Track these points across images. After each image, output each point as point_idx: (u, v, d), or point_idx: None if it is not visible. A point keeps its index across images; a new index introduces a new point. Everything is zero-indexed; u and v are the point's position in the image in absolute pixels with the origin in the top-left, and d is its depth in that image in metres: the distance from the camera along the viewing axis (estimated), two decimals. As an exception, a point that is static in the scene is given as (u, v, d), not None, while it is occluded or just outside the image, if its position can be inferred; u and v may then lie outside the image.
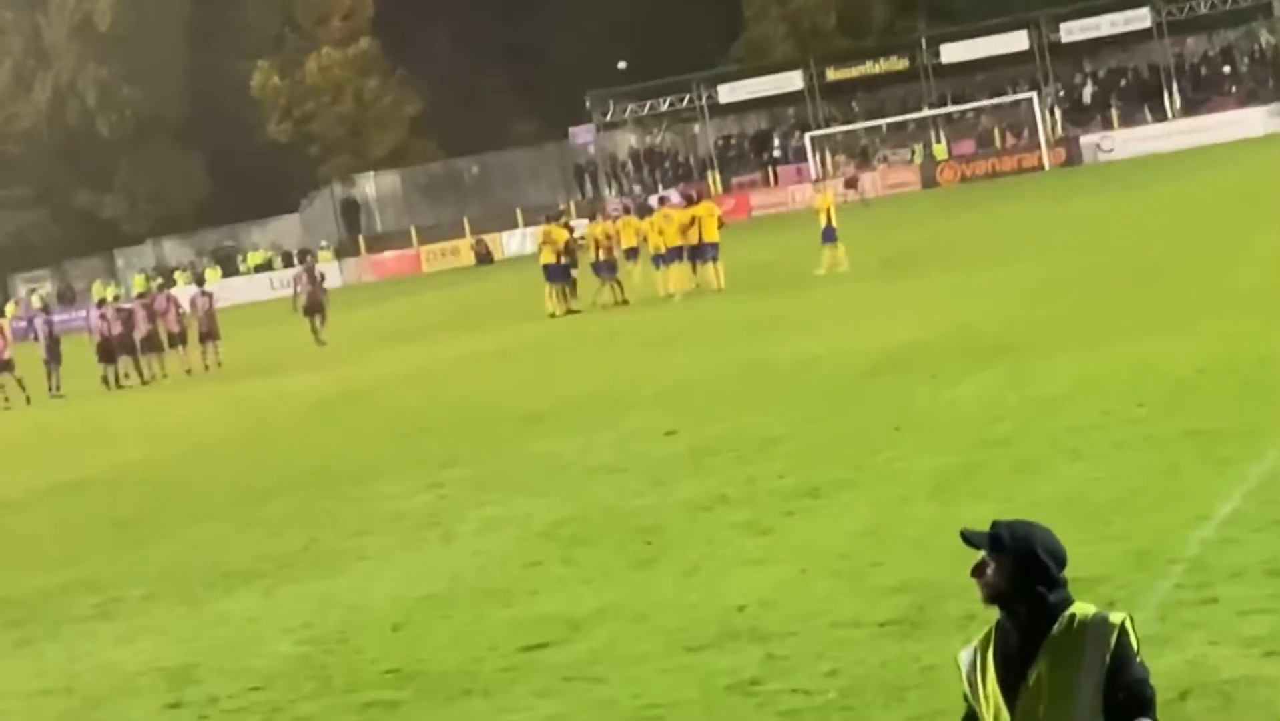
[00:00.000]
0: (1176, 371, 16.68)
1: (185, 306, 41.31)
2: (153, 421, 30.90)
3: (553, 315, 38.51)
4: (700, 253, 38.38)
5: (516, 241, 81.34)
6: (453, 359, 32.31)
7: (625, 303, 38.59)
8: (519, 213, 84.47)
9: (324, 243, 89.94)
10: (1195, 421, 14.05)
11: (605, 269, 39.63)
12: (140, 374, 40.11)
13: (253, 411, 29.26)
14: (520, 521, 14.72)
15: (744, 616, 10.53)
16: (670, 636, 10.40)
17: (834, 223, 37.95)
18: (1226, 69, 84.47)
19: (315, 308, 43.85)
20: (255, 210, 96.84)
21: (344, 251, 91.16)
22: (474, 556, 13.69)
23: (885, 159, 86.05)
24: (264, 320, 55.77)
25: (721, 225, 39.97)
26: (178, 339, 40.65)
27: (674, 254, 38.76)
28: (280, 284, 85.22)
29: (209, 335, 40.56)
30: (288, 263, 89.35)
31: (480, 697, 10.02)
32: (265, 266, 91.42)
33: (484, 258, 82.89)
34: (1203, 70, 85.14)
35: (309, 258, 57.08)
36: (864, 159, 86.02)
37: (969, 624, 9.48)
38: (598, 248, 39.62)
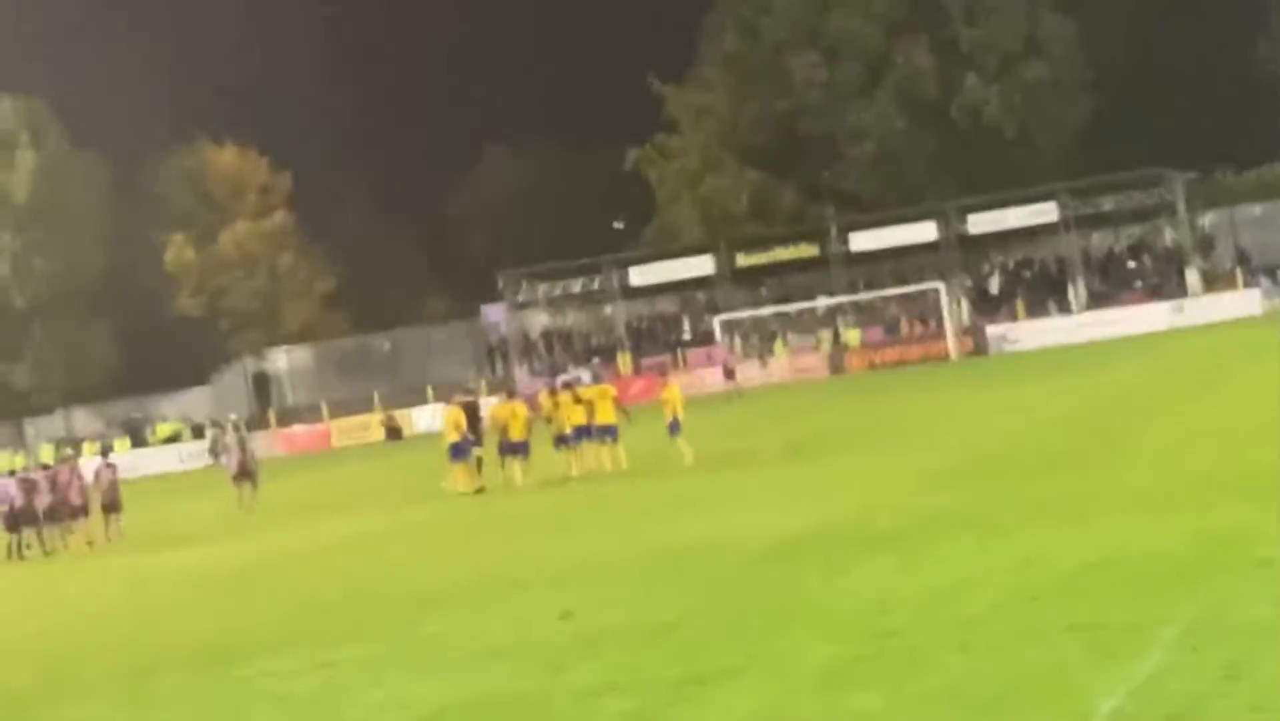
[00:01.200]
0: (1066, 564, 16.80)
1: (89, 477, 41.07)
2: (49, 593, 30.64)
3: (460, 493, 38.47)
4: (599, 434, 38.63)
5: (426, 418, 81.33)
6: (352, 536, 32.19)
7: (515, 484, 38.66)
8: (429, 389, 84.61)
9: (233, 415, 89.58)
10: (1083, 616, 14.13)
11: (511, 449, 39.62)
12: (43, 544, 39.81)
13: (149, 585, 29.03)
14: (410, 704, 14.62)
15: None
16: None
17: (679, 416, 38.09)
18: (1131, 264, 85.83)
19: (245, 475, 44.46)
20: (166, 382, 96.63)
21: (254, 425, 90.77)
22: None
23: (773, 350, 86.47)
24: (171, 492, 55.40)
25: (622, 407, 40.29)
26: (80, 510, 40.35)
27: (579, 434, 39.00)
28: (189, 456, 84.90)
29: (112, 507, 40.31)
30: (197, 434, 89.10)
31: None
32: (174, 438, 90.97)
33: (394, 434, 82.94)
34: (1108, 265, 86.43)
35: (240, 425, 57.97)
36: (770, 344, 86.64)
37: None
38: (505, 429, 39.64)
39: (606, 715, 13.17)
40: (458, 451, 39.65)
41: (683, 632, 16.26)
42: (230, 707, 15.87)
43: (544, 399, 43.38)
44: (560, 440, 39.69)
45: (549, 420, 41.08)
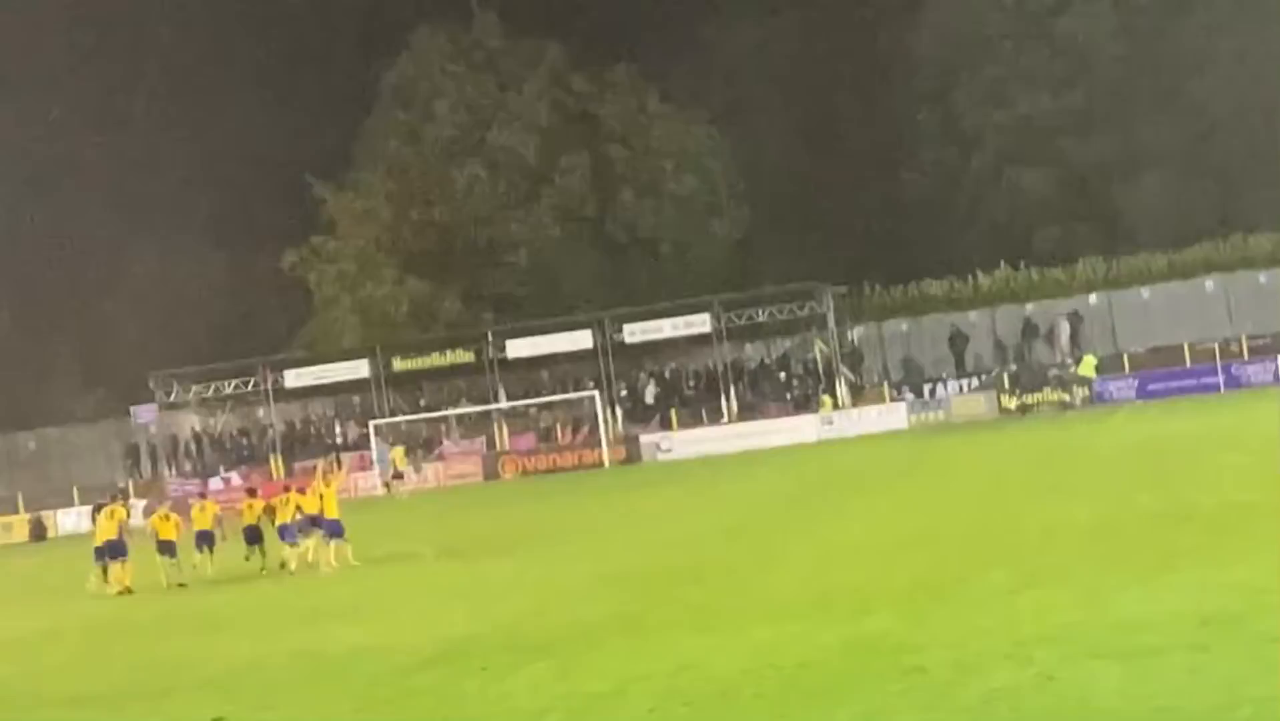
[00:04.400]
0: (721, 671, 16.98)
1: None
2: None
3: (107, 594, 37.90)
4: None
5: (73, 519, 79.46)
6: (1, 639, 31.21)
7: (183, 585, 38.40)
8: (75, 490, 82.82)
9: None
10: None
11: (168, 549, 39.38)
12: None
13: None
14: None
15: None
16: None
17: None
18: (782, 375, 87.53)
19: None
20: None
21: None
22: None
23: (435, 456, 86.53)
24: None
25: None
26: None
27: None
28: None
29: None
30: None
31: None
32: None
33: (39, 534, 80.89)
34: (759, 376, 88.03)
35: None
36: (427, 450, 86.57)
37: None
38: (158, 531, 39.63)
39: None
40: (115, 551, 39.12)
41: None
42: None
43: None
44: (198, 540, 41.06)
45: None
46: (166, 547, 39.58)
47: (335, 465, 42.41)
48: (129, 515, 42.31)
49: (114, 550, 39.17)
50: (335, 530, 38.09)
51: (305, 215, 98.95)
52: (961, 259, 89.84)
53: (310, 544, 38.93)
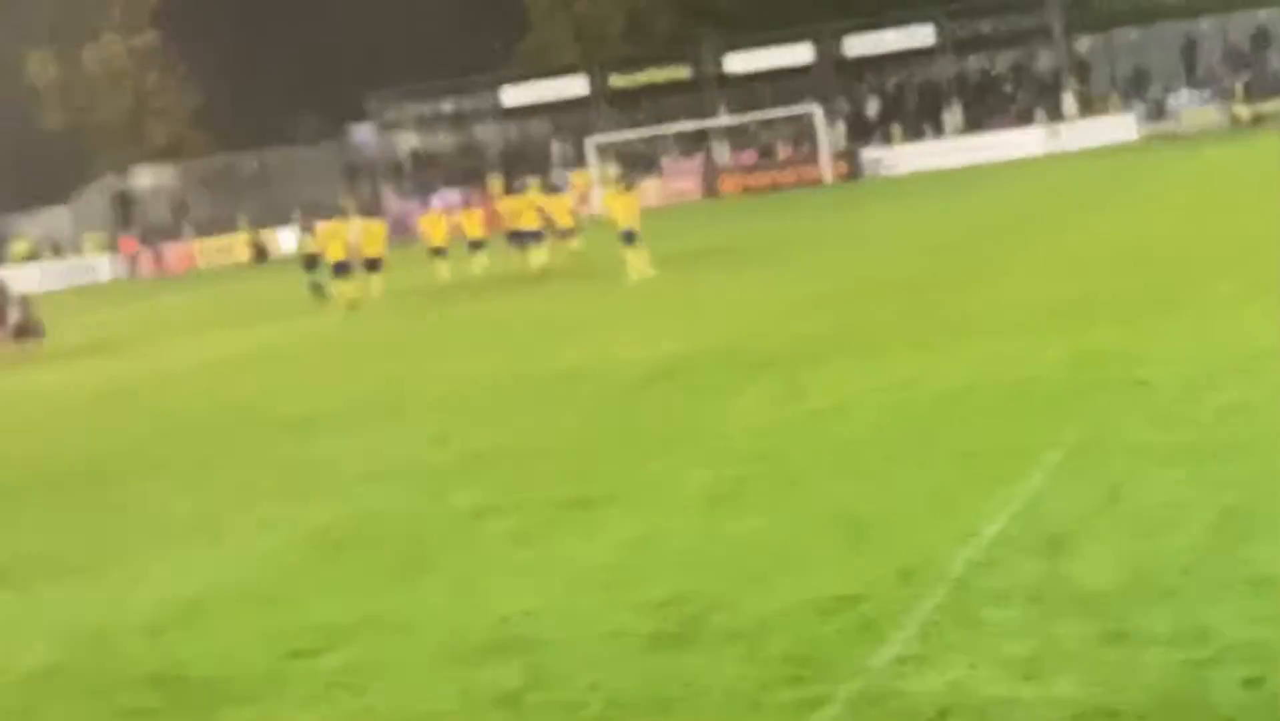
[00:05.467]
0: (944, 388, 16.84)
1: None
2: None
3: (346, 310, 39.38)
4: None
5: (295, 239, 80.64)
6: (223, 358, 31.96)
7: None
8: (297, 210, 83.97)
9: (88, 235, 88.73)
10: (963, 440, 14.16)
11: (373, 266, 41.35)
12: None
13: (11, 406, 28.67)
14: (286, 527, 14.50)
15: (510, 627, 10.42)
16: (435, 647, 10.26)
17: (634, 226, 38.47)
18: (1007, 88, 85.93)
19: (26, 333, 40.54)
20: (26, 200, 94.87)
21: (116, 245, 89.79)
22: (240, 560, 13.45)
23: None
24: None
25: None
26: None
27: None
28: (49, 275, 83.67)
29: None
30: (58, 254, 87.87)
31: (239, 705, 9.80)
32: (33, 257, 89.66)
33: (260, 254, 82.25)
34: (984, 89, 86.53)
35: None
36: (647, 167, 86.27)
37: (737, 638, 9.50)
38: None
39: (488, 536, 13.10)
40: (341, 269, 40.43)
41: (561, 456, 16.20)
42: (108, 527, 15.69)
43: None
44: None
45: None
46: (372, 265, 41.23)
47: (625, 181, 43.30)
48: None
49: (341, 268, 40.02)
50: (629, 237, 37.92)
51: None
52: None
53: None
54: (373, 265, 41.00)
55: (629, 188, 40.44)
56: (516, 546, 12.61)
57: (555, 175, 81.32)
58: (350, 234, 40.77)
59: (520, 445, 17.03)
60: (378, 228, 42.41)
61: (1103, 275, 25.04)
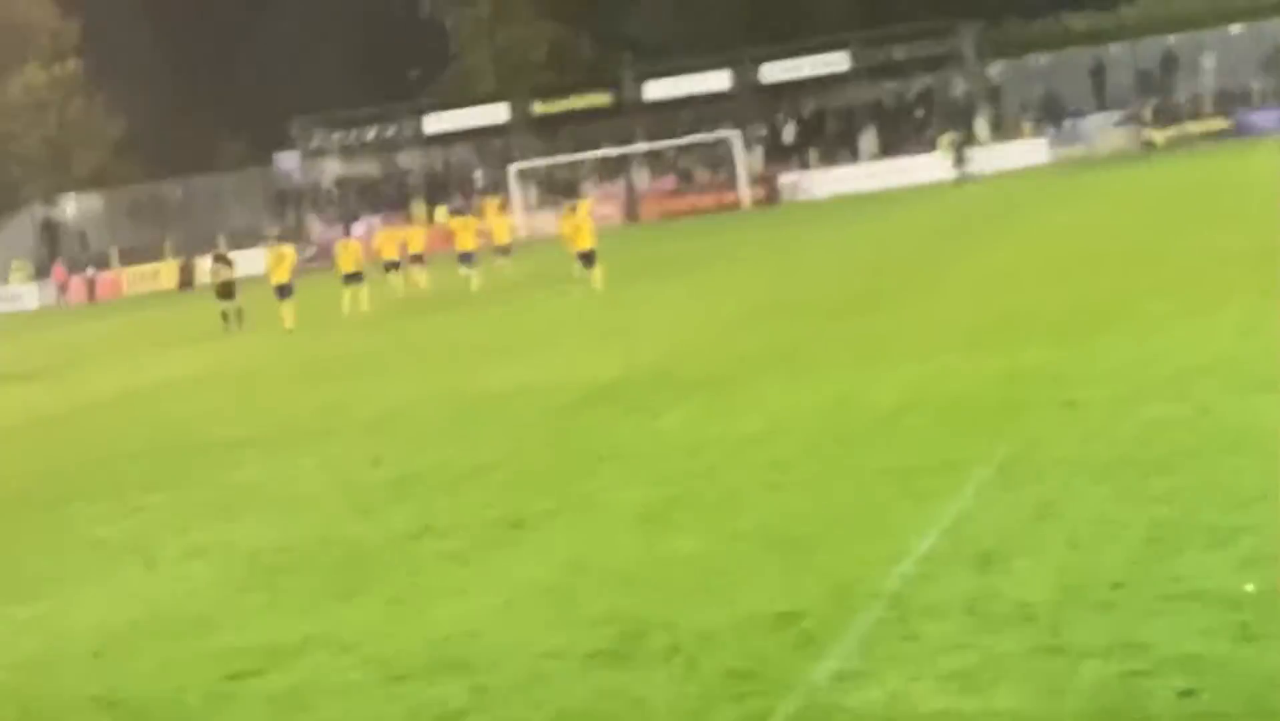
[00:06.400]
0: (877, 405, 16.99)
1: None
2: None
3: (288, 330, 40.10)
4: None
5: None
6: (154, 383, 31.84)
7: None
8: (222, 238, 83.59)
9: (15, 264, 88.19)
10: (895, 457, 14.30)
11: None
12: None
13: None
14: (223, 549, 14.49)
15: (450, 647, 10.47)
16: (377, 667, 10.29)
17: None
18: (920, 113, 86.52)
19: None
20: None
21: (43, 273, 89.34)
22: (176, 584, 13.43)
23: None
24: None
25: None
26: None
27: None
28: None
29: None
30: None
31: (183, 728, 9.85)
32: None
33: (187, 280, 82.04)
34: (898, 115, 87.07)
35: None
36: (567, 192, 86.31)
37: (677, 655, 9.58)
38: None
39: (425, 556, 13.14)
40: (284, 291, 41.53)
41: (497, 476, 16.25)
42: (44, 551, 15.65)
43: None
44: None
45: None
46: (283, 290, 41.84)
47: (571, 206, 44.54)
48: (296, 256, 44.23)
49: (283, 291, 40.80)
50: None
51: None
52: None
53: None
54: (284, 290, 41.47)
55: (574, 210, 41.55)
56: (454, 566, 12.66)
57: (476, 201, 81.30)
58: (275, 259, 41.80)
59: (455, 466, 17.07)
60: (289, 253, 43.36)
61: (1032, 293, 25.32)
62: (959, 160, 77.71)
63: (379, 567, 12.95)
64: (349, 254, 44.14)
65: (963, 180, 74.77)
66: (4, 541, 16.54)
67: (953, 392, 17.15)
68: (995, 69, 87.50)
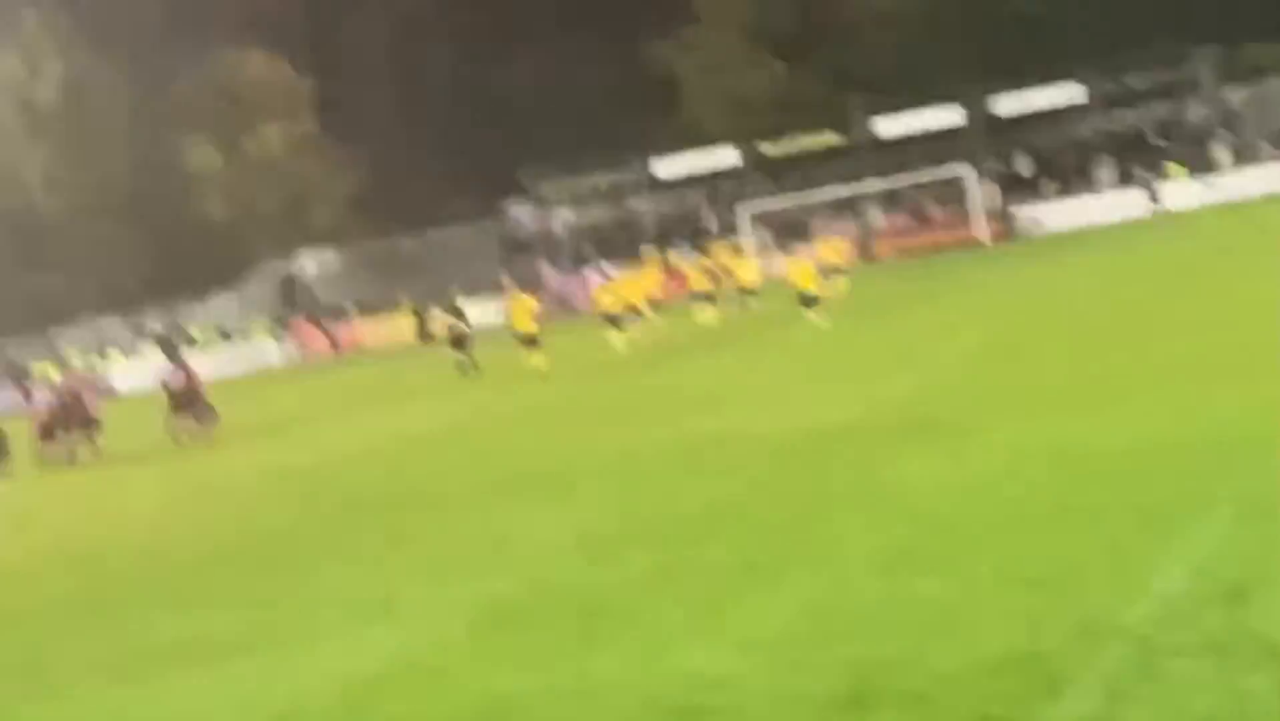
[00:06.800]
0: (1116, 443, 16.76)
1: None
2: (98, 499, 30.90)
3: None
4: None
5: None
6: (396, 435, 32.35)
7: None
8: (453, 289, 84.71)
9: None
10: (1138, 494, 14.09)
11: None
12: (75, 451, 40.20)
13: (195, 487, 29.20)
14: (462, 601, 14.67)
15: (694, 694, 10.52)
16: (620, 716, 10.39)
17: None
18: (1158, 141, 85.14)
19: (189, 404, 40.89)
20: (194, 287, 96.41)
21: (283, 328, 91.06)
22: (424, 635, 13.64)
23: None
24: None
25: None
26: (91, 421, 40.93)
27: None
28: (221, 361, 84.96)
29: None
30: (225, 339, 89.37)
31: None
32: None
33: (424, 333, 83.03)
34: (1134, 144, 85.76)
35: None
36: (799, 233, 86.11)
37: (919, 699, 9.55)
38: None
39: (663, 602, 13.19)
40: (529, 341, 42.51)
41: (733, 522, 16.28)
42: (294, 604, 15.97)
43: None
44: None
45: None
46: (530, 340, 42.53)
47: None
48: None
49: (529, 341, 42.36)
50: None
51: (666, 6, 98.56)
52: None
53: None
54: (530, 340, 41.92)
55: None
56: (692, 612, 12.71)
57: (707, 244, 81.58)
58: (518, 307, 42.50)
59: (692, 511, 17.14)
60: (530, 303, 43.68)
61: (1273, 325, 24.78)
62: (1152, 196, 76.68)
63: (619, 615, 13.04)
64: (612, 295, 44.97)
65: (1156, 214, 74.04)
66: (252, 595, 16.88)
67: (1194, 429, 16.85)
68: (1234, 94, 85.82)
